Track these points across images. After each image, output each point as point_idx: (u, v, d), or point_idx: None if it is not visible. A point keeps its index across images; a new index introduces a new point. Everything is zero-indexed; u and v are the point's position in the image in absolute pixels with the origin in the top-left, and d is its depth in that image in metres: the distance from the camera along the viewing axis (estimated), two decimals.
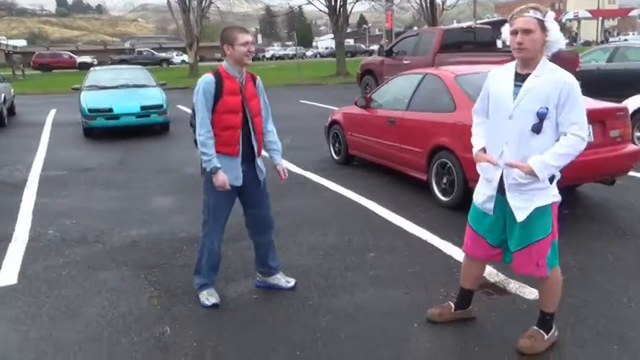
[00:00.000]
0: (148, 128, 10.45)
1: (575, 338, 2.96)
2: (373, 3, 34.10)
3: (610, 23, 79.92)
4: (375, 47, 45.53)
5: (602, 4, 73.34)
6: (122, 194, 6.33)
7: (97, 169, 7.74)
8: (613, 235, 4.54)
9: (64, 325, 3.29)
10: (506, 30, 2.64)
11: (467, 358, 2.82)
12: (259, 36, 69.60)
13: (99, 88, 11.23)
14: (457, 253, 4.06)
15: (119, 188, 6.63)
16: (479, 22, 33.18)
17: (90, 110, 10.14)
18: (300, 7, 51.52)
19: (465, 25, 19.72)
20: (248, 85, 3.39)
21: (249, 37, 3.29)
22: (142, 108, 10.32)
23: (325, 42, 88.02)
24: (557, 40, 2.55)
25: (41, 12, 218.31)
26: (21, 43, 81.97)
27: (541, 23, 2.53)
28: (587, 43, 53.62)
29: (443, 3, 31.61)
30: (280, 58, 63.66)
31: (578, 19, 66.75)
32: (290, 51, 64.39)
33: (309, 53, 70.23)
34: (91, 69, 13.33)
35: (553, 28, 2.54)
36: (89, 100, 10.44)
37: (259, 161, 3.49)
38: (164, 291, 3.71)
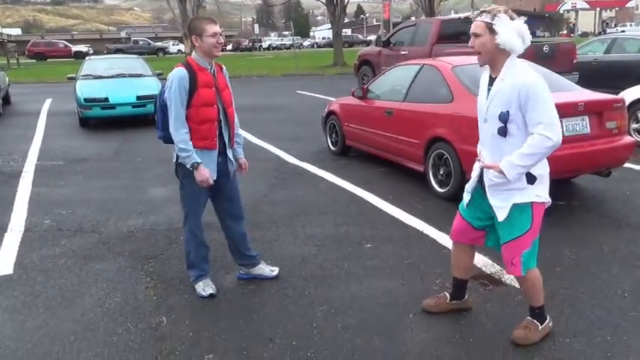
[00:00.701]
0: (144, 118, 10.39)
1: (569, 329, 2.98)
2: None
3: (608, 14, 79.77)
4: (373, 37, 45.32)
5: None
6: (118, 184, 6.32)
7: (93, 159, 7.72)
8: (608, 226, 4.56)
9: (60, 315, 3.29)
10: None
11: (462, 349, 2.84)
12: (256, 26, 69.20)
13: (95, 77, 11.17)
14: None
15: (115, 178, 6.61)
16: (477, 12, 33.01)
17: (86, 100, 10.09)
18: None
19: (462, 15, 19.66)
20: (219, 75, 3.35)
21: (217, 29, 3.21)
22: (138, 98, 10.26)
23: (322, 32, 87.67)
24: (508, 42, 2.55)
25: (36, 0, 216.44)
26: (15, 31, 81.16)
27: (489, 26, 2.58)
28: (585, 35, 53.55)
29: None
30: (277, 48, 63.36)
31: (575, 10, 66.62)
32: (287, 41, 64.09)
33: (306, 43, 69.88)
34: (87, 58, 13.22)
35: (502, 30, 2.55)
36: (85, 89, 10.38)
37: (230, 153, 3.46)
38: (160, 281, 3.72)
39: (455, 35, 12.77)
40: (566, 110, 4.67)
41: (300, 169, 6.80)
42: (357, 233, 4.52)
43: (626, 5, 71.11)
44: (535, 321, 2.87)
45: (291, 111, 11.93)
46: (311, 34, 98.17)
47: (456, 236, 3.05)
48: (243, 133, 3.72)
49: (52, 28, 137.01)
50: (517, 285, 3.47)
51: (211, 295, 3.44)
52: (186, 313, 3.27)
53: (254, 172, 5.53)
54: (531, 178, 2.65)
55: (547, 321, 2.90)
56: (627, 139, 5.14)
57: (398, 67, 6.84)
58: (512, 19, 2.59)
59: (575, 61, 10.86)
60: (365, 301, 3.37)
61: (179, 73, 3.18)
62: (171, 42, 56.60)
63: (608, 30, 51.53)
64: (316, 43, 70.15)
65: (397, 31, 14.75)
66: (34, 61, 42.58)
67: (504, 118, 2.60)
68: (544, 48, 10.38)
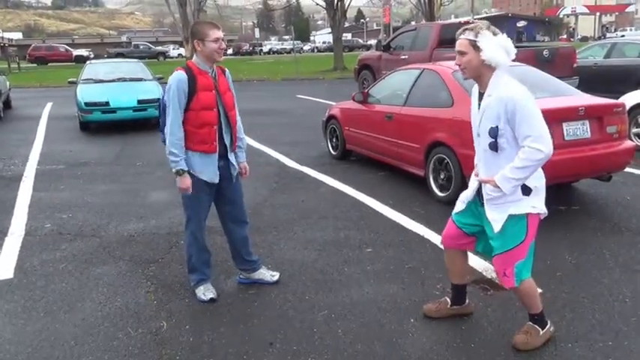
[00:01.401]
0: (145, 122, 10.41)
1: (570, 333, 2.97)
2: None
3: (607, 19, 79.95)
4: (373, 42, 45.43)
5: (599, 0, 73.39)
6: (119, 188, 6.32)
7: (94, 163, 7.72)
8: (609, 231, 4.56)
9: (60, 319, 3.28)
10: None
11: (463, 354, 2.83)
12: (257, 30, 69.27)
13: (95, 81, 11.20)
14: None
15: (116, 182, 6.62)
16: (476, 17, 33.14)
17: (86, 104, 10.11)
18: (297, 0, 51.35)
19: (462, 20, 19.69)
20: (220, 78, 3.34)
21: (220, 34, 3.20)
22: (139, 102, 10.29)
23: (323, 36, 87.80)
24: (493, 58, 2.57)
25: (37, 4, 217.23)
26: (17, 35, 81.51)
27: (473, 43, 2.61)
28: (585, 39, 53.65)
29: None
30: (278, 52, 63.46)
31: (575, 15, 66.79)
32: (287, 45, 64.23)
33: (306, 47, 70.06)
34: (88, 62, 13.27)
35: (486, 47, 2.58)
36: (85, 93, 10.40)
37: (232, 156, 3.45)
38: (161, 285, 3.71)
39: (455, 40, 12.80)
40: (566, 115, 4.68)
41: (301, 173, 6.80)
42: (358, 238, 4.52)
43: (626, 10, 71.31)
44: (536, 326, 2.87)
45: (291, 115, 11.95)
46: (311, 38, 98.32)
47: (446, 242, 3.07)
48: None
49: (53, 33, 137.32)
50: None
51: (212, 300, 3.43)
52: (187, 318, 3.27)
53: (254, 177, 5.53)
54: (527, 190, 2.66)
55: (548, 326, 2.90)
56: (628, 143, 5.14)
57: (398, 71, 6.85)
58: (495, 34, 2.62)
59: (575, 66, 10.88)
60: (365, 305, 3.36)
61: (178, 76, 3.18)
62: (171, 46, 56.75)
63: (608, 34, 51.67)
64: (316, 48, 70.34)
65: (397, 36, 14.79)
66: (35, 65, 42.66)
67: (494, 133, 2.62)
68: (544, 52, 10.39)
